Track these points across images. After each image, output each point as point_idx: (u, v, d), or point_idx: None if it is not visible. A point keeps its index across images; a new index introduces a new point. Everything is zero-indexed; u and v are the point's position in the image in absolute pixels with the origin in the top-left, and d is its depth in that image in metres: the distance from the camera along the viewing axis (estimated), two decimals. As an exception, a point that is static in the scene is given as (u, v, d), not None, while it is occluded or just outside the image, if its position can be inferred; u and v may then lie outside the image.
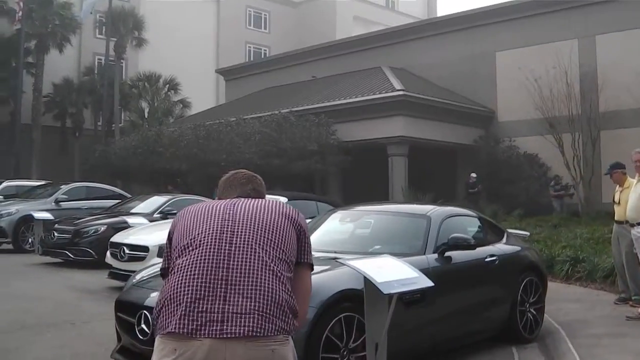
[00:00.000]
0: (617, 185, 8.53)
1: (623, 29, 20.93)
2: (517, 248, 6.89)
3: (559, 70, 20.67)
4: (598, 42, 21.91)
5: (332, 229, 6.63)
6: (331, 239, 6.25)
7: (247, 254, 2.39)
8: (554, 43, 21.95)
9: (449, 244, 5.67)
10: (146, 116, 34.54)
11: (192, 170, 23.71)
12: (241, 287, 2.32)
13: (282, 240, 2.50)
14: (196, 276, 2.34)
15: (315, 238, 4.91)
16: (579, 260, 10.72)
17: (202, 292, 2.30)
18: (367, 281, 3.72)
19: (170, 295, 2.35)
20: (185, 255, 2.42)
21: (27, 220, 15.17)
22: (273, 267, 2.40)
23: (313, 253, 2.72)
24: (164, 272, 2.60)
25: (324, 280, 4.46)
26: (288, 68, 32.05)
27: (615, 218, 8.45)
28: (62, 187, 17.49)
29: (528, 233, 9.05)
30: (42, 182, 20.06)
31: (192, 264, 2.37)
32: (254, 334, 2.24)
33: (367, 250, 5.75)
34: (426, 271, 4.41)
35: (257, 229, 2.48)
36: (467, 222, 6.66)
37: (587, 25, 21.92)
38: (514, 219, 18.06)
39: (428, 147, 23.04)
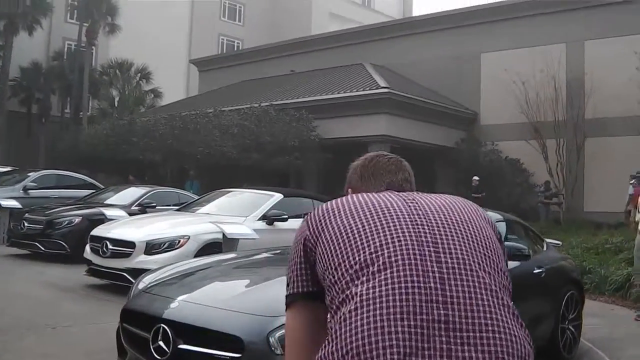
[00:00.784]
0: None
1: (613, 35, 20.47)
2: (560, 258, 6.31)
3: (547, 74, 20.31)
4: (587, 47, 21.47)
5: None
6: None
7: (467, 280, 1.56)
8: (542, 46, 21.38)
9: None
10: (116, 105, 33.37)
11: (166, 162, 22.83)
12: (470, 333, 1.47)
13: (498, 256, 1.70)
14: (399, 318, 1.46)
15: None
16: (585, 271, 10.25)
17: (413, 344, 1.43)
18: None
19: (358, 347, 1.45)
20: (370, 282, 1.54)
21: (-9, 207, 14.10)
22: (504, 299, 1.58)
23: None
24: (293, 300, 1.77)
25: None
26: (266, 61, 31.10)
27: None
28: (30, 174, 16.50)
29: (560, 242, 8.49)
30: (8, 169, 18.96)
31: (387, 297, 1.50)
32: None
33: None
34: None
35: (467, 240, 1.65)
36: (513, 228, 6.02)
37: (577, 30, 21.44)
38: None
39: (407, 148, 22.43)
